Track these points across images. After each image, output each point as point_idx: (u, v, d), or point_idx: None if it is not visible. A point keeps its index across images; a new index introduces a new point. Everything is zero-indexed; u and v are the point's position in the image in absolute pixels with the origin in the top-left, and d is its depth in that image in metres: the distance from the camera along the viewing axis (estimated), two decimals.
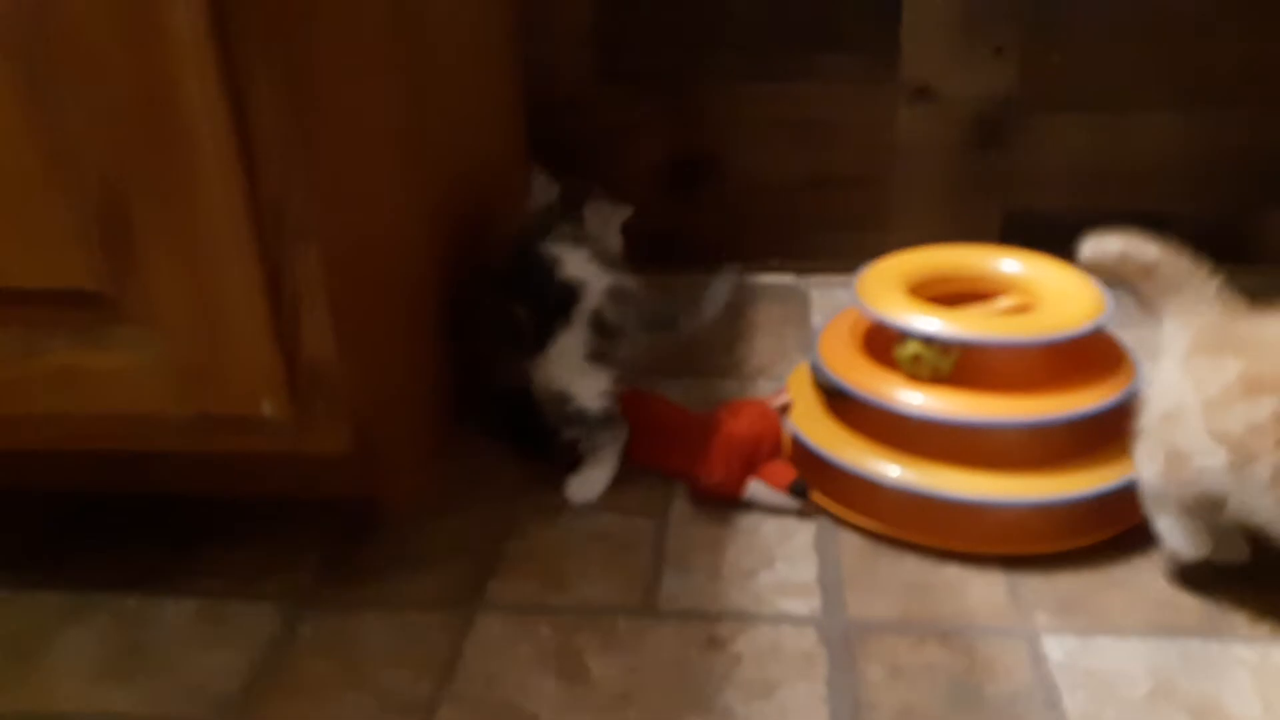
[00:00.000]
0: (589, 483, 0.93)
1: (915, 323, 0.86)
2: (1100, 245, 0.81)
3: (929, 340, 0.86)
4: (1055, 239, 1.33)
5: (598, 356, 0.90)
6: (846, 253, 1.34)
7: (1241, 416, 0.70)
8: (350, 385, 0.76)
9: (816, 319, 1.26)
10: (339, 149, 0.75)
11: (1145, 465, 0.78)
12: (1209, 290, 0.78)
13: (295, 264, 0.72)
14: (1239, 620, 0.77)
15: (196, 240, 0.69)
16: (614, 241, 1.11)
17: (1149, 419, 0.77)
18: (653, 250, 1.36)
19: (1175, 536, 0.78)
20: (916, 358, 0.86)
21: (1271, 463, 0.69)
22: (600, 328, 0.90)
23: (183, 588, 0.84)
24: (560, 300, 0.89)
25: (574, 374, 0.90)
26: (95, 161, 0.67)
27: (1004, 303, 0.94)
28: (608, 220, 1.11)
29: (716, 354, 1.19)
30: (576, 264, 0.90)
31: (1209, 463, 0.72)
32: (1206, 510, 0.75)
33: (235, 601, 0.82)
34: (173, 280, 0.70)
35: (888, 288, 0.91)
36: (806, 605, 0.80)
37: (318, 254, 0.71)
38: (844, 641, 0.76)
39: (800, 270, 1.37)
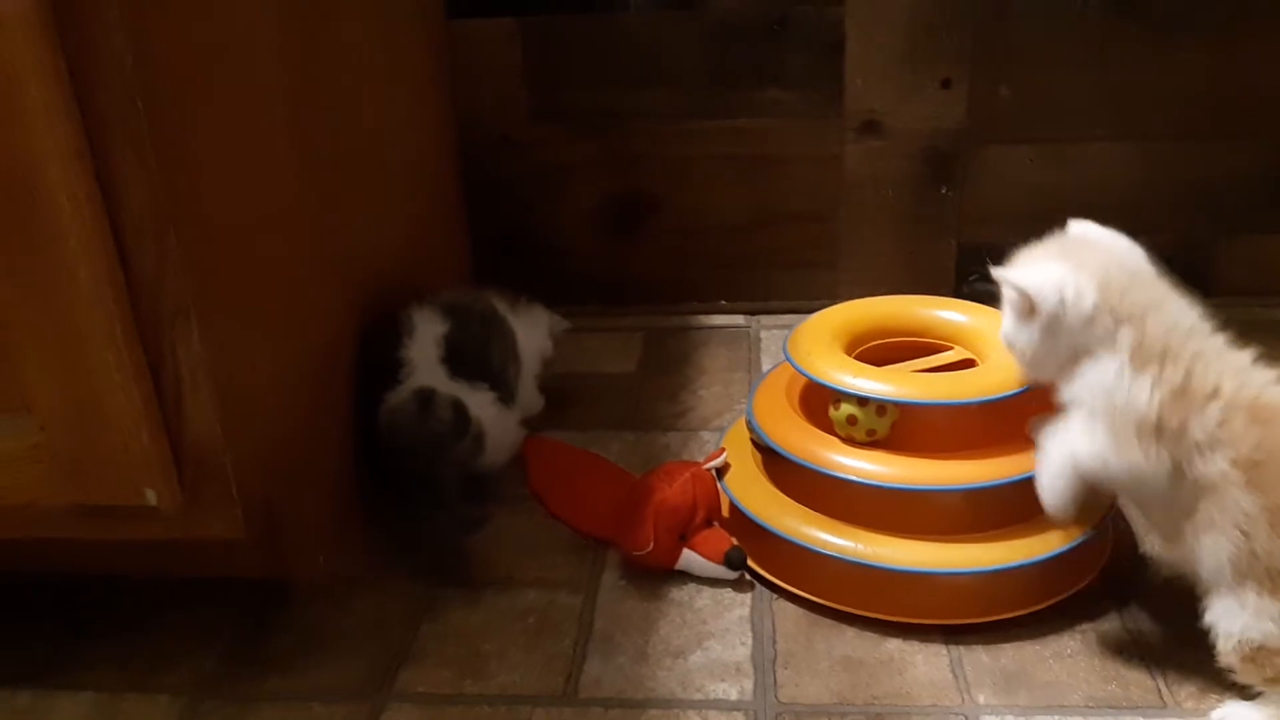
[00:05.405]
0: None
1: (848, 382, 0.82)
2: None
3: (863, 401, 0.82)
4: None
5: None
6: (797, 292, 1.31)
7: None
8: (242, 468, 0.71)
9: (767, 363, 1.22)
10: (222, 223, 0.71)
11: None
12: None
13: (176, 345, 0.67)
14: (1184, 692, 0.73)
15: (66, 325, 0.65)
16: (546, 346, 1.09)
17: None
18: (597, 294, 1.33)
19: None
20: (851, 419, 0.82)
21: None
22: None
23: (78, 681, 0.79)
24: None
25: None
26: None
27: (946, 357, 0.90)
28: (548, 329, 1.10)
29: (659, 404, 1.14)
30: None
31: None
32: None
33: (133, 695, 0.77)
34: (42, 367, 0.66)
35: (822, 343, 0.87)
36: (736, 688, 0.76)
37: (200, 333, 0.67)
38: None
39: (750, 311, 1.33)
